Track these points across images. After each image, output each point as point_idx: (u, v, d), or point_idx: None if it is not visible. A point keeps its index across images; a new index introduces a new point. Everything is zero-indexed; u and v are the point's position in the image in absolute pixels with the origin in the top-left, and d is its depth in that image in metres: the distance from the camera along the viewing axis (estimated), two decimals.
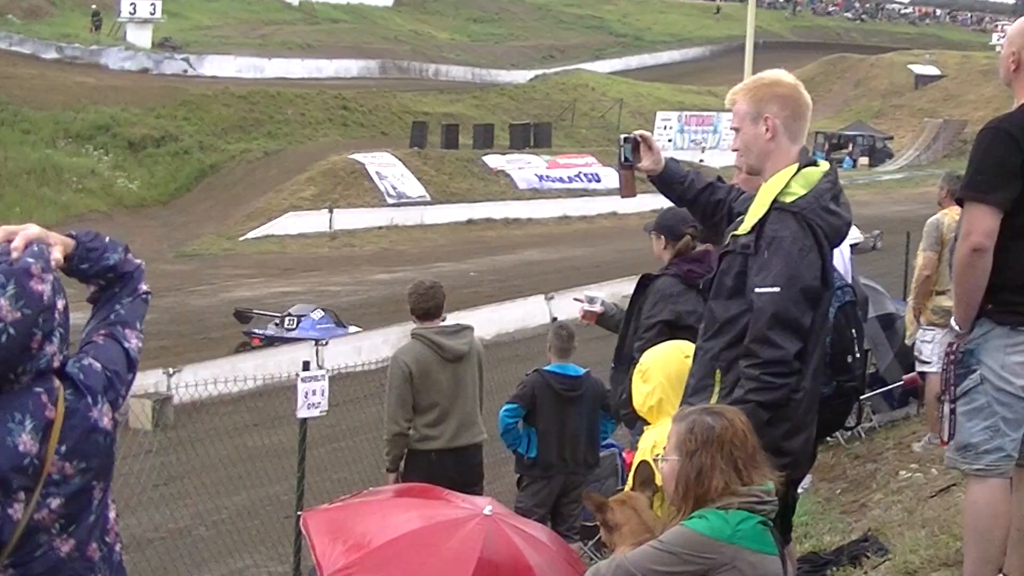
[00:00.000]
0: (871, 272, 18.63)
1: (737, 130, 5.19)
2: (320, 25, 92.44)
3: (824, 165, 5.09)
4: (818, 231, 4.84)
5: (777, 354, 4.70)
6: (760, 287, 4.77)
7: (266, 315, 32.22)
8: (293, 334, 30.16)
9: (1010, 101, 5.53)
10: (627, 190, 5.79)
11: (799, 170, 4.97)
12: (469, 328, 10.16)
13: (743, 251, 4.92)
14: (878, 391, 14.59)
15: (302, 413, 10.99)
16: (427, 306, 9.76)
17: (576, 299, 9.06)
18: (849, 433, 13.07)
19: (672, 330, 7.16)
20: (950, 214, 10.96)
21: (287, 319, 31.06)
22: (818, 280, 4.84)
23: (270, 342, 30.13)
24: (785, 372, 4.72)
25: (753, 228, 4.90)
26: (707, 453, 4.29)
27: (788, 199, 4.89)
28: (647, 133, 5.68)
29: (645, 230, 8.01)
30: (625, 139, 5.60)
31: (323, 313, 31.42)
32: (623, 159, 5.60)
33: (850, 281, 5.92)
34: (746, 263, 4.90)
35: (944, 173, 12.60)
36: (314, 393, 10.95)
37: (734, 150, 5.28)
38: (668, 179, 5.65)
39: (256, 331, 31.23)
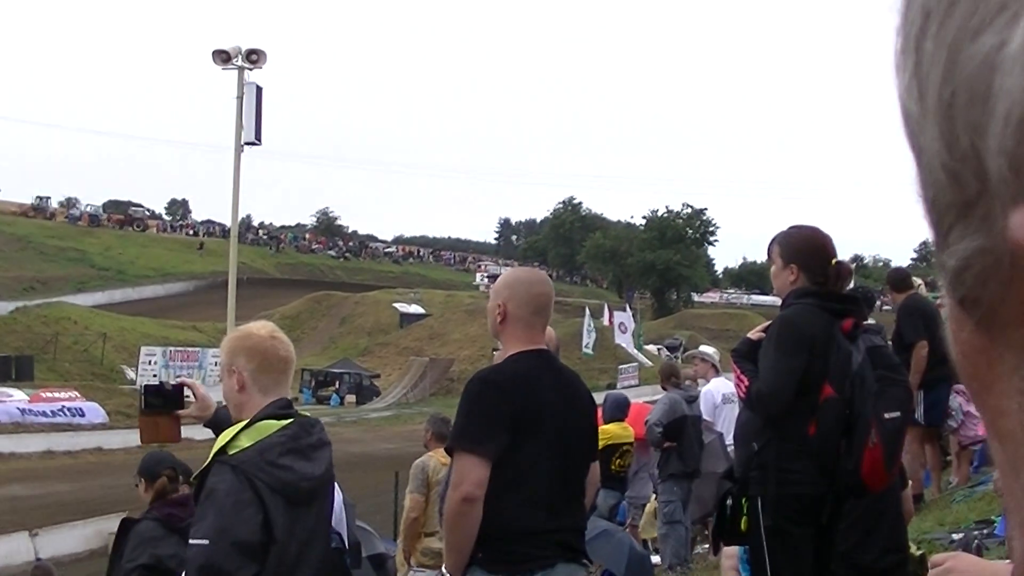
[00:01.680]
0: (363, 510, 18.64)
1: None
2: None
3: (288, 421, 5.05)
4: (259, 484, 4.79)
5: None
6: (192, 539, 4.74)
7: None
8: None
9: (493, 342, 5.63)
10: (146, 435, 5.74)
11: (252, 423, 4.94)
12: None
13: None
14: None
15: None
16: None
17: None
18: None
19: (152, 575, 7.15)
20: (436, 456, 11.09)
21: None
22: (256, 534, 4.75)
23: None
24: None
25: (196, 478, 4.90)
26: None
27: (232, 451, 4.86)
28: (192, 381, 5.79)
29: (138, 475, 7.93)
30: (147, 388, 5.69)
31: None
32: (143, 406, 5.64)
33: (340, 527, 5.81)
34: None
35: (431, 415, 12.78)
36: None
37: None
38: (219, 425, 5.56)
39: None
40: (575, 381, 5.79)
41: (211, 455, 4.87)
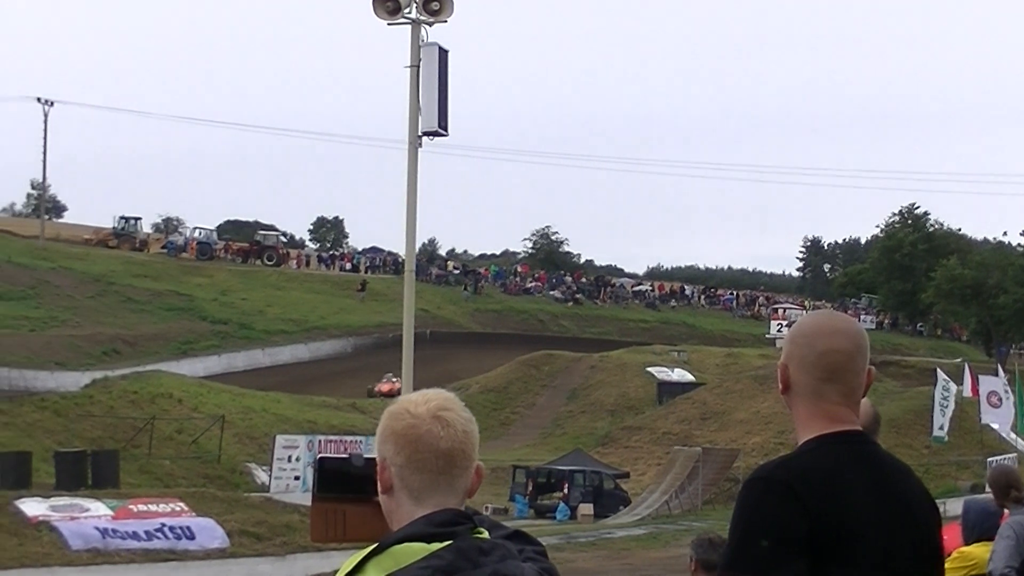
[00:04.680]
0: None
1: None
2: None
3: (442, 544, 4.66)
4: None
5: None
6: None
7: None
8: None
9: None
10: (321, 531, 5.36)
11: (384, 546, 4.69)
12: None
13: None
14: None
15: None
16: None
17: None
18: None
19: None
20: None
21: None
22: None
23: None
24: None
25: None
26: None
27: None
28: None
29: None
30: (323, 461, 5.36)
31: None
32: (318, 488, 5.32)
33: None
34: None
35: (697, 534, 12.79)
36: None
37: None
38: None
39: None
40: (905, 479, 5.69)
41: None
